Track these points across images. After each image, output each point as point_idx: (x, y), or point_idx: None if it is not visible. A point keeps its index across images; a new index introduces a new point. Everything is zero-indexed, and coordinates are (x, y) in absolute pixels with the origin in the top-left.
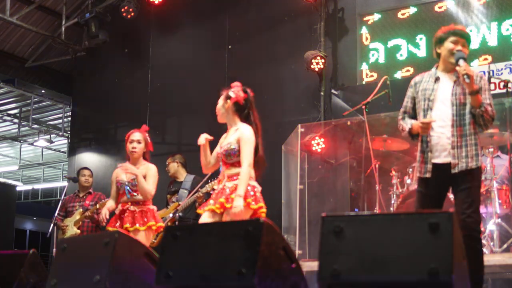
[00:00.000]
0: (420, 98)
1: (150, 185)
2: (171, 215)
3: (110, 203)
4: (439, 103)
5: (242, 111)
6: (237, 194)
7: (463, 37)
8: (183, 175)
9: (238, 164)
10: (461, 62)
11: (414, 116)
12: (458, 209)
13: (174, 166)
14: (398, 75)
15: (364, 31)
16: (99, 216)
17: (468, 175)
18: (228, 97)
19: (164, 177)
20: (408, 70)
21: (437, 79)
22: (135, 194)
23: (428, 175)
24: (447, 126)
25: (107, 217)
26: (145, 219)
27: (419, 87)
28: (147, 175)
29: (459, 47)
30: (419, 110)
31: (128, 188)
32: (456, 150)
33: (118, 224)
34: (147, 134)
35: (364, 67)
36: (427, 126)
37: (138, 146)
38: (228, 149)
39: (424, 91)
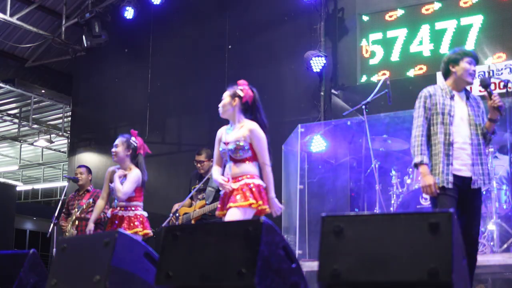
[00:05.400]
0: (438, 111)
1: (124, 186)
2: (196, 210)
3: (95, 214)
4: (458, 120)
5: (248, 110)
6: (270, 196)
7: (475, 59)
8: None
9: (245, 160)
10: (490, 89)
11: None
12: (467, 221)
13: (210, 164)
14: (399, 75)
15: (363, 33)
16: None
17: (479, 192)
18: (236, 95)
19: (164, 176)
20: (421, 68)
21: (452, 97)
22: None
23: (450, 185)
24: (466, 143)
25: (91, 232)
26: (132, 225)
27: (435, 99)
28: (127, 177)
29: (474, 68)
30: (436, 121)
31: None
32: (475, 167)
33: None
34: (133, 138)
35: (364, 65)
36: (431, 190)
37: (115, 150)
38: (237, 146)
39: (443, 105)
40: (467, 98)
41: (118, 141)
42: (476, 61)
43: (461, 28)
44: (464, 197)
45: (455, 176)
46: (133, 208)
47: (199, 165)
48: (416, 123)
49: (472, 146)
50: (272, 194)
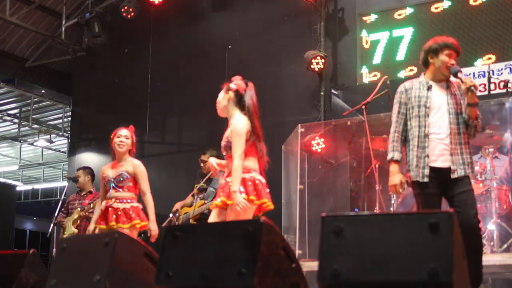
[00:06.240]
0: (413, 104)
1: (145, 188)
2: (196, 209)
3: (97, 213)
4: (435, 110)
5: (243, 102)
6: (232, 191)
7: (456, 51)
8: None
9: None
10: (461, 75)
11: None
12: (460, 209)
13: None
14: (399, 75)
15: (364, 33)
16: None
17: (466, 180)
18: (229, 89)
19: (164, 176)
20: (412, 70)
21: (429, 87)
22: (120, 190)
23: (426, 179)
24: (444, 133)
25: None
26: (129, 217)
27: (411, 93)
28: (138, 173)
29: (452, 61)
30: (412, 116)
31: (113, 184)
32: (454, 157)
33: (103, 222)
34: (133, 134)
35: (364, 70)
36: (396, 190)
37: (126, 141)
38: (227, 142)
39: (419, 98)
40: (448, 86)
41: (128, 133)
42: (457, 54)
43: (463, 28)
44: (449, 188)
45: (431, 168)
46: (129, 200)
47: (202, 164)
48: (392, 119)
49: (451, 136)
50: (234, 188)
